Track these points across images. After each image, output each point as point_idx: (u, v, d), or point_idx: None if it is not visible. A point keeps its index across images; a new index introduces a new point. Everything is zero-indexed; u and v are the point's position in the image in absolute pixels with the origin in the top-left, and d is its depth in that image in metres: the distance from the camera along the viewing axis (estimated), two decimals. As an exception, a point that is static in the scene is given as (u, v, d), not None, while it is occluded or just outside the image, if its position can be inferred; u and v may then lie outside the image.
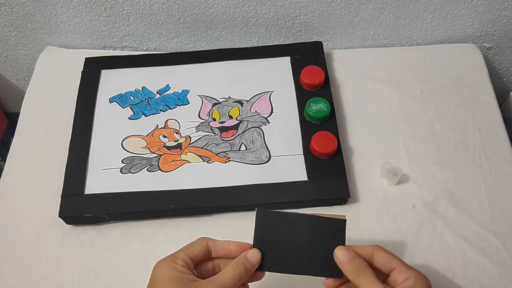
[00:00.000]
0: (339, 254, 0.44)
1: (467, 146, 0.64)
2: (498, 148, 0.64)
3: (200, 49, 0.79)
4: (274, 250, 0.45)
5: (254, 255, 0.44)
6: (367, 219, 0.59)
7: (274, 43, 0.78)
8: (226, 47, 0.79)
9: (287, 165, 0.61)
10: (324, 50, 0.71)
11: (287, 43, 0.76)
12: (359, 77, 0.72)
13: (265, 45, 0.77)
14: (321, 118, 0.63)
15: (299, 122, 0.64)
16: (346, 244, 0.45)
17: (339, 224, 0.46)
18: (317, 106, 0.64)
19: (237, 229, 0.58)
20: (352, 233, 0.57)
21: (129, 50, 0.80)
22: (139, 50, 0.80)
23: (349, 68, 0.73)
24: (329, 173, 0.60)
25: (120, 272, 0.56)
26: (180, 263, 0.43)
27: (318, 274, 0.45)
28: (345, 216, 0.46)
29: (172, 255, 0.44)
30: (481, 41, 0.77)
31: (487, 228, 0.57)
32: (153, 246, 0.58)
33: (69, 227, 0.59)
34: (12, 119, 0.99)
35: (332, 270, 0.45)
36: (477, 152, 0.64)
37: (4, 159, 0.76)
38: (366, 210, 0.60)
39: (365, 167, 0.63)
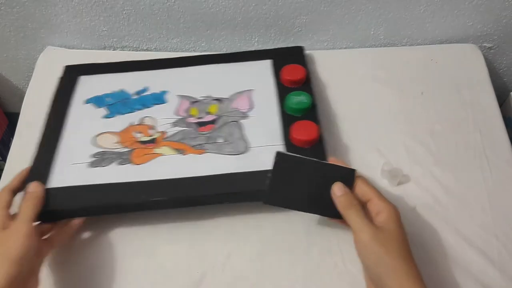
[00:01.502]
0: (335, 188, 0.50)
1: (467, 147, 0.64)
2: (498, 148, 0.64)
3: (201, 49, 0.79)
4: (287, 189, 0.51)
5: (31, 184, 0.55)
6: (367, 219, 0.59)
7: (275, 43, 0.78)
8: (226, 47, 0.79)
9: (267, 154, 0.58)
10: (324, 50, 0.71)
11: (281, 46, 0.74)
12: (359, 77, 0.72)
13: (247, 50, 0.76)
14: (302, 110, 0.62)
15: (280, 115, 0.63)
16: None
17: (349, 172, 0.51)
18: (298, 99, 0.63)
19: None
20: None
21: (129, 50, 0.80)
22: (139, 50, 0.80)
23: (349, 68, 0.73)
24: None
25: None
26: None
27: (322, 213, 0.51)
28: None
29: None
30: (481, 41, 0.77)
31: (488, 229, 0.57)
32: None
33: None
34: (12, 119, 0.99)
35: (334, 211, 0.50)
36: (477, 152, 0.64)
37: (4, 159, 0.76)
38: (366, 210, 0.60)
39: (365, 168, 0.63)
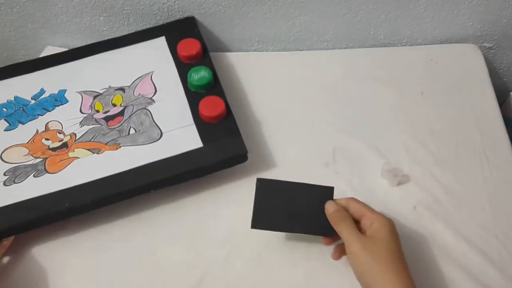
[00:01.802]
0: (328, 206, 0.51)
1: (467, 146, 0.64)
2: (498, 148, 0.64)
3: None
4: (271, 213, 0.52)
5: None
6: (367, 219, 0.59)
7: (274, 43, 0.78)
8: (226, 47, 0.79)
9: (181, 137, 0.60)
10: (324, 50, 0.71)
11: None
12: (359, 77, 0.72)
13: (138, 30, 0.75)
14: (205, 86, 0.63)
15: (185, 94, 0.64)
16: None
17: (328, 191, 0.53)
18: (199, 75, 0.64)
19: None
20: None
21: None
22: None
23: (349, 68, 0.73)
24: (223, 134, 0.60)
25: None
26: None
27: (308, 232, 0.52)
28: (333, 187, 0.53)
29: None
30: (481, 41, 0.77)
31: (488, 229, 0.57)
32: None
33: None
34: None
35: (320, 229, 0.52)
36: (477, 152, 0.64)
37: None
38: (366, 210, 0.60)
39: (366, 168, 0.63)
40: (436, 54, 0.74)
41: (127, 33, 0.77)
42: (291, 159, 0.64)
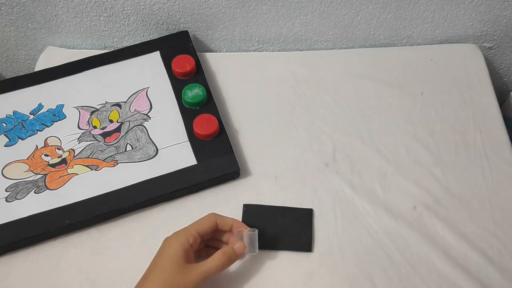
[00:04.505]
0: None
1: (467, 146, 0.64)
2: (499, 148, 0.64)
3: (201, 49, 0.79)
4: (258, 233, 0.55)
5: (240, 247, 0.51)
6: (369, 220, 0.59)
7: (274, 43, 0.78)
8: (226, 47, 0.79)
9: (175, 154, 0.61)
10: (324, 50, 0.71)
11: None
12: (359, 77, 0.72)
13: (133, 44, 0.76)
14: (199, 103, 0.65)
15: (179, 110, 0.65)
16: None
17: (307, 212, 0.58)
18: (193, 92, 0.65)
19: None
20: (354, 233, 0.57)
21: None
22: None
23: (349, 68, 0.73)
24: (216, 152, 0.61)
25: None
26: (190, 241, 0.48)
27: (290, 249, 0.56)
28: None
29: (185, 231, 0.50)
30: (481, 41, 0.77)
31: (488, 230, 0.57)
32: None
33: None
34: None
35: (301, 246, 0.56)
36: (477, 152, 0.64)
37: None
38: (367, 211, 0.60)
39: (365, 168, 0.63)
40: (436, 54, 0.75)
41: (127, 33, 0.77)
42: (291, 159, 0.64)
